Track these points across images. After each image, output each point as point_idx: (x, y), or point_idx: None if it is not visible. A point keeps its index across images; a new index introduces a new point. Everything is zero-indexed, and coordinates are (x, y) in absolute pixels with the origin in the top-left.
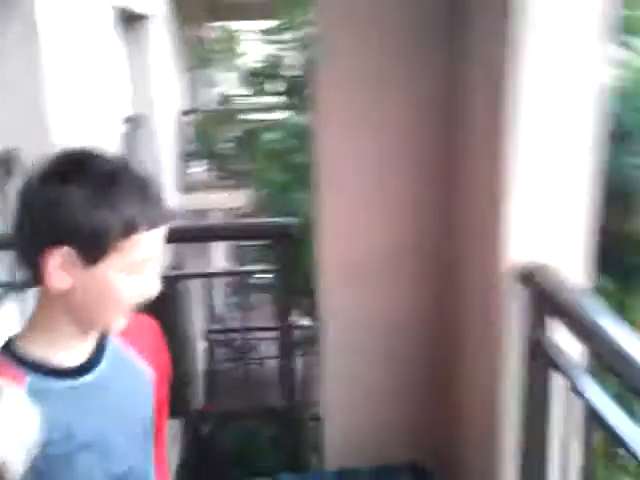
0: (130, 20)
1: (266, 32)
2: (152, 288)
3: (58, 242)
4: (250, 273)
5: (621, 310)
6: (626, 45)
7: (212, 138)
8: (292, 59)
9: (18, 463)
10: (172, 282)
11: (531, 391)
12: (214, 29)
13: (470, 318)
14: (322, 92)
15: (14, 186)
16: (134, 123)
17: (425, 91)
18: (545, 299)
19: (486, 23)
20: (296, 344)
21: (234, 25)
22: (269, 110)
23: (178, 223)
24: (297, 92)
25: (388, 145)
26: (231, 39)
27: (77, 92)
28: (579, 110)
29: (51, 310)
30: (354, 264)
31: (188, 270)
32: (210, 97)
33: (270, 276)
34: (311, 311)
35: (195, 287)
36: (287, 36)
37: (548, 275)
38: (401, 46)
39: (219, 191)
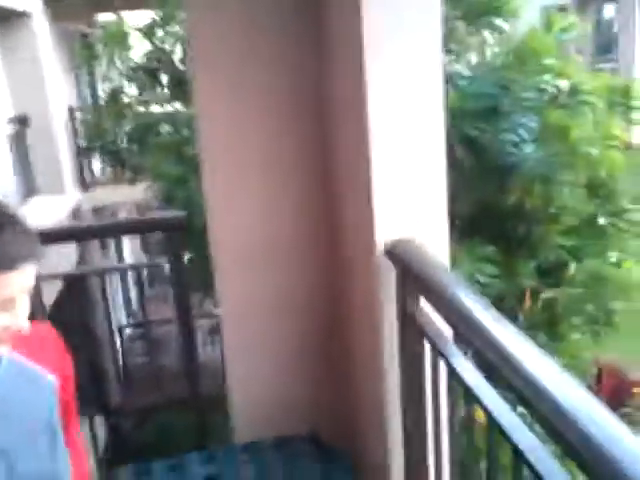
0: (6, 18)
1: (146, 26)
2: (22, 324)
3: None
4: (145, 267)
5: (510, 275)
6: (490, 26)
7: (104, 133)
8: (175, 52)
9: None
10: (76, 280)
11: (407, 359)
12: (97, 23)
13: (355, 295)
14: (199, 84)
15: None
16: (20, 123)
17: (298, 78)
18: (409, 275)
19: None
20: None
21: (117, 17)
22: (158, 103)
23: (77, 222)
24: (183, 85)
25: (268, 135)
26: (115, 34)
27: None
28: (425, 101)
29: None
30: (244, 251)
31: (86, 267)
32: (99, 93)
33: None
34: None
35: (111, 283)
36: (168, 29)
37: (411, 251)
38: (271, 32)
39: (118, 186)
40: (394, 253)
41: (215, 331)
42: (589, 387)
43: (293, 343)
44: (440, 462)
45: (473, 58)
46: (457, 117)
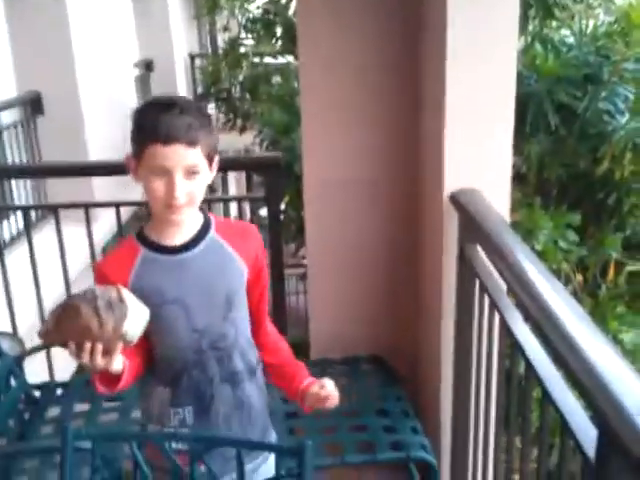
0: None
1: None
2: (171, 194)
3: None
4: (241, 199)
5: (595, 245)
6: None
7: (220, 81)
8: (290, 7)
9: (137, 336)
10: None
11: (462, 301)
12: None
13: (425, 236)
14: (304, 40)
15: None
16: (145, 66)
17: (395, 38)
18: (469, 222)
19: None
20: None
21: None
22: (272, 55)
23: None
24: (295, 38)
25: (364, 86)
26: None
27: (94, 41)
28: (496, 68)
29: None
30: (332, 192)
31: None
32: (218, 42)
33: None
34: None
35: None
36: None
37: (474, 200)
38: (371, 12)
39: (230, 133)
40: (458, 200)
41: (305, 277)
42: None
43: (369, 275)
44: (485, 402)
45: (576, 26)
46: (555, 83)
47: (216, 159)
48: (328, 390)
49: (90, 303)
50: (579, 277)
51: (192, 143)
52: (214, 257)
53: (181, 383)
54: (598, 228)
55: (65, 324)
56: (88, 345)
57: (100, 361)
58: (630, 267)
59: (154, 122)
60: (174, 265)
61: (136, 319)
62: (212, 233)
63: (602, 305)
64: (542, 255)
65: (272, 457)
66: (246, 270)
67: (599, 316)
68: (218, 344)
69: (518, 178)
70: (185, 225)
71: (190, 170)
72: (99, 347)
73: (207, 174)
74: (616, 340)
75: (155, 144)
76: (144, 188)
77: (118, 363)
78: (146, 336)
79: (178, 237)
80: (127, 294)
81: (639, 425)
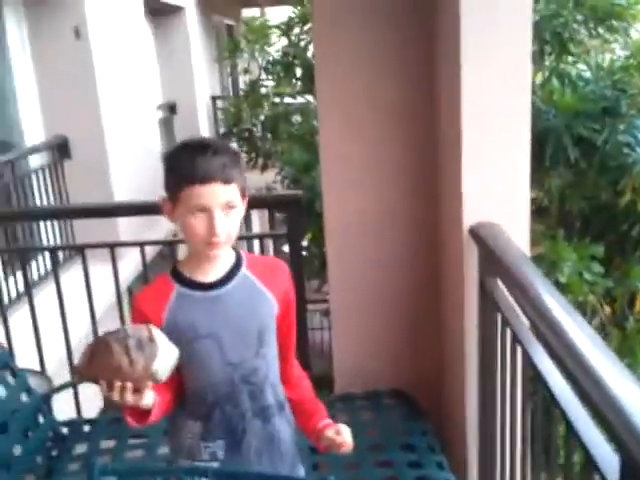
0: (162, 12)
1: (284, 23)
2: (212, 231)
3: (164, 191)
4: (263, 237)
5: (621, 276)
6: (611, 29)
7: (242, 121)
8: (309, 49)
9: (166, 375)
10: None
11: (485, 334)
12: (242, 17)
13: (446, 270)
14: (321, 78)
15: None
16: (169, 109)
17: (411, 75)
18: (490, 256)
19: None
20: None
21: (262, 12)
22: (292, 95)
23: None
24: (313, 78)
25: (381, 120)
26: (257, 29)
27: (119, 85)
28: (512, 102)
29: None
30: (354, 222)
31: None
32: (239, 84)
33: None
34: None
35: None
36: (304, 27)
37: (494, 234)
38: (388, 36)
39: (251, 172)
40: (477, 234)
41: (329, 313)
42: None
43: (390, 309)
44: (511, 436)
45: (592, 61)
46: (573, 118)
47: (246, 194)
48: (344, 437)
49: (121, 342)
50: (607, 309)
51: (228, 181)
52: (246, 293)
53: (213, 417)
54: (623, 259)
55: (97, 361)
56: (118, 384)
57: (130, 398)
58: None
59: (191, 164)
60: (208, 301)
61: (166, 358)
62: (244, 269)
63: (630, 337)
64: (567, 287)
65: None
66: (276, 306)
67: (627, 348)
68: (250, 378)
69: (540, 211)
70: (219, 262)
71: (228, 205)
72: (129, 385)
73: (241, 209)
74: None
75: (193, 185)
76: (182, 228)
77: (148, 399)
78: (178, 371)
79: (211, 274)
80: (158, 333)
81: None
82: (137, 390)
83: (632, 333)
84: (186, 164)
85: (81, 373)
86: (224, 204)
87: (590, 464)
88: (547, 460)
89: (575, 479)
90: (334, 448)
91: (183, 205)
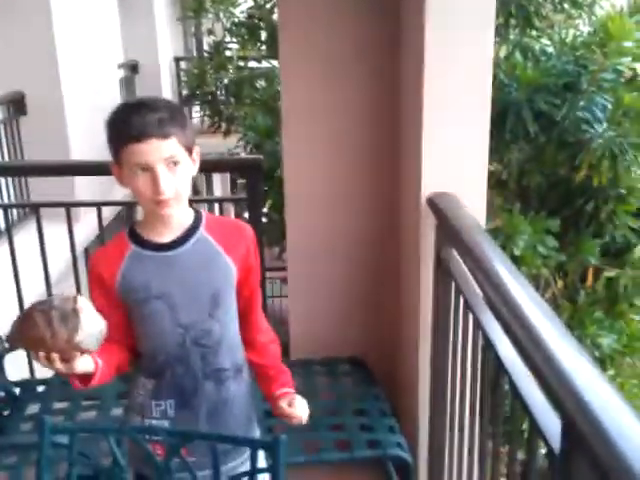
0: None
1: None
2: (157, 189)
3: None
4: (223, 201)
5: (575, 251)
6: (575, 5)
7: (205, 84)
8: (274, 11)
9: (93, 345)
10: None
11: (439, 302)
12: None
13: (403, 237)
14: (284, 42)
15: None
16: (130, 68)
17: (374, 42)
18: (446, 226)
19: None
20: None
21: None
22: (257, 59)
23: None
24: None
25: (343, 90)
26: None
27: (79, 42)
28: (473, 76)
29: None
30: (311, 195)
31: None
32: (203, 45)
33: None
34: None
35: None
36: None
37: (450, 204)
38: (352, 13)
39: (213, 136)
40: (435, 204)
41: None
42: None
43: (348, 278)
44: (460, 401)
45: (556, 36)
46: (534, 92)
47: (196, 150)
48: (295, 409)
49: (45, 314)
50: (559, 283)
51: (166, 135)
52: (202, 255)
53: (164, 376)
54: (577, 234)
55: (23, 332)
56: (42, 354)
57: (59, 366)
58: (608, 273)
59: (127, 122)
60: (161, 261)
61: (90, 331)
62: (201, 230)
63: (581, 310)
64: (521, 260)
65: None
66: (235, 269)
67: (578, 321)
68: (202, 340)
69: (499, 184)
70: (175, 221)
71: (169, 161)
72: (53, 355)
73: (189, 165)
74: (595, 344)
75: (130, 143)
76: (131, 189)
77: (85, 364)
78: (133, 330)
79: (167, 234)
80: (84, 305)
81: (600, 419)
82: (66, 359)
83: (583, 306)
84: (122, 123)
85: (10, 343)
86: (165, 159)
87: (534, 429)
88: (494, 426)
89: (520, 444)
90: (285, 419)
91: (125, 165)
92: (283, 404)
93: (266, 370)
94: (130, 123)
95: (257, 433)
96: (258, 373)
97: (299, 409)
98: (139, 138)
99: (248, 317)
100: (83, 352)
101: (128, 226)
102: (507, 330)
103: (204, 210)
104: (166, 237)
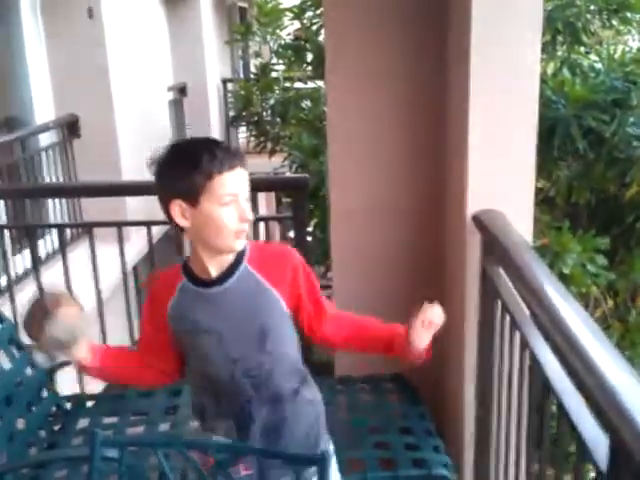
0: None
1: (298, 7)
2: (244, 217)
3: (173, 197)
4: (269, 219)
5: (625, 270)
6: (625, 21)
7: (251, 105)
8: (320, 33)
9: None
10: None
11: (485, 320)
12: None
13: (449, 257)
14: (331, 63)
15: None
16: (179, 91)
17: (421, 60)
18: (491, 243)
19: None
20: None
21: None
22: (303, 80)
23: None
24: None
25: (390, 109)
26: (270, 13)
27: (130, 66)
28: (519, 94)
29: (192, 244)
30: (359, 210)
31: None
32: (250, 67)
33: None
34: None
35: None
36: (317, 11)
37: (497, 222)
38: (399, 31)
39: (260, 155)
40: (480, 221)
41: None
42: None
43: (391, 295)
44: (506, 420)
45: (604, 52)
46: (583, 108)
47: None
48: (431, 313)
49: (34, 309)
50: (610, 302)
51: (246, 165)
52: (246, 290)
53: (217, 401)
54: (627, 253)
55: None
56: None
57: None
58: None
59: (212, 155)
60: (208, 298)
61: (60, 330)
62: (245, 264)
63: (632, 330)
64: (570, 279)
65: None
66: (283, 301)
67: (629, 341)
68: (253, 372)
69: (547, 202)
70: (224, 257)
71: (248, 191)
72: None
73: None
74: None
75: (221, 174)
76: (205, 225)
77: (81, 353)
78: (171, 356)
79: (214, 270)
80: (63, 298)
81: None
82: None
83: (634, 327)
84: (206, 156)
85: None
86: (247, 189)
87: (582, 450)
88: (540, 447)
89: (566, 467)
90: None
91: (208, 200)
92: (416, 324)
93: (361, 332)
94: (216, 155)
95: (328, 447)
96: (357, 344)
97: (429, 314)
98: (230, 167)
99: (322, 318)
100: (68, 344)
101: (176, 248)
102: (556, 350)
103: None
104: (212, 272)
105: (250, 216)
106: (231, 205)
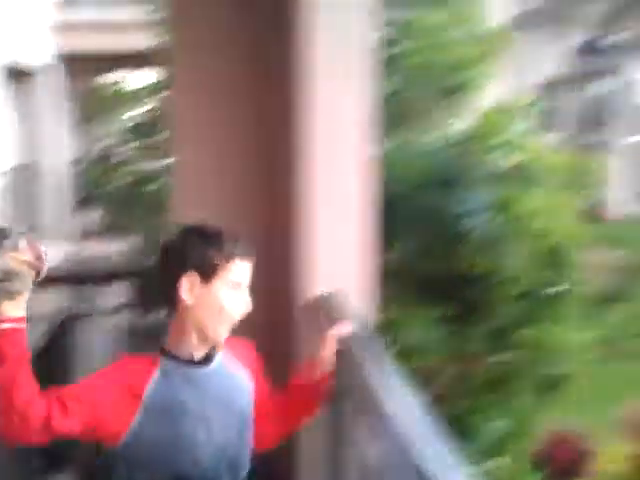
0: (21, 75)
1: (150, 86)
2: (247, 305)
3: (187, 269)
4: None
5: (461, 338)
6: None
7: (102, 186)
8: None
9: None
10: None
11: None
12: (105, 81)
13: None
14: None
15: None
16: (21, 172)
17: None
18: None
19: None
20: None
21: (124, 76)
22: (155, 159)
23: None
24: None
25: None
26: (120, 93)
27: None
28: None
29: (182, 325)
30: None
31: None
32: (99, 147)
33: None
34: None
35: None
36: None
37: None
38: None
39: (113, 237)
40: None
41: None
42: (540, 453)
43: None
44: None
45: (438, 133)
46: (417, 187)
47: None
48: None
49: None
50: (451, 369)
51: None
52: (227, 374)
53: None
54: (462, 322)
55: None
56: None
57: None
58: (492, 358)
59: (237, 241)
60: (194, 379)
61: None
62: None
63: (472, 396)
64: (413, 350)
65: None
66: (251, 385)
67: (470, 407)
68: (233, 462)
69: (390, 276)
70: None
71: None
72: None
73: None
74: (486, 430)
75: (240, 260)
76: (211, 306)
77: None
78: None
79: (199, 353)
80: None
81: None
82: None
83: (473, 391)
84: (230, 240)
85: None
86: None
87: None
88: None
89: None
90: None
91: (222, 279)
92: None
93: (298, 383)
94: (239, 242)
95: None
96: (300, 389)
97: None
98: (247, 257)
99: (271, 398)
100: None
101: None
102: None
103: None
104: (198, 355)
105: (250, 309)
106: (234, 292)
